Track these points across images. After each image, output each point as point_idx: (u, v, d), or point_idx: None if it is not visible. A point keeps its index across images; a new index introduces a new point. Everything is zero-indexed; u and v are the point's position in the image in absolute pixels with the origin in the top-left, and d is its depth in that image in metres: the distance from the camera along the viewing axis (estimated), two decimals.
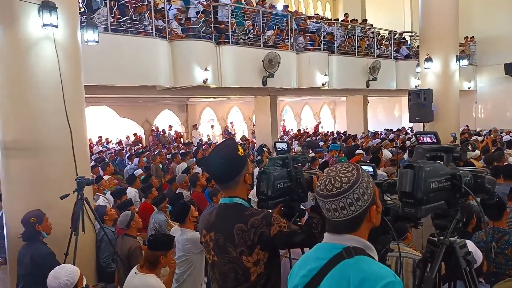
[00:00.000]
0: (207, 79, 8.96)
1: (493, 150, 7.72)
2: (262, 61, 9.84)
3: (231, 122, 18.92)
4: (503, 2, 14.25)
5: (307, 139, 13.92)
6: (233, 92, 11.33)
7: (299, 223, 1.96)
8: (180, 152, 10.44)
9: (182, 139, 16.36)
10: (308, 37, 11.72)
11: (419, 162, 1.35)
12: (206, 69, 8.92)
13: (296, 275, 1.30)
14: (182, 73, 8.88)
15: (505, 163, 5.74)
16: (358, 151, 8.07)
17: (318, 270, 1.23)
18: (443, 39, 10.12)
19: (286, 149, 2.04)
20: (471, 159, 6.11)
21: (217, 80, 9.47)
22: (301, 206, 1.99)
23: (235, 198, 1.77)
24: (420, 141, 1.55)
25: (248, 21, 10.40)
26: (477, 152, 7.27)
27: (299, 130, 18.69)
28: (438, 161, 1.43)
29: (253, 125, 16.00)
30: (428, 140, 1.54)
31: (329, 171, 1.26)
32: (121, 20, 7.81)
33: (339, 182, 1.20)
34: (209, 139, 16.60)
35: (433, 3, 10.19)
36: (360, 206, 1.19)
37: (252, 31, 10.39)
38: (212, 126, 18.69)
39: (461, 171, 1.40)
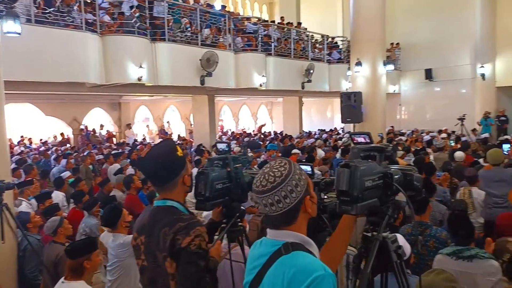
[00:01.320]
0: (141, 77, 8.65)
1: (413, 150, 8.34)
2: (200, 59, 9.72)
3: (168, 122, 18.46)
4: (422, 12, 15.48)
5: (245, 139, 14.03)
6: (170, 90, 11.06)
7: (239, 224, 1.95)
8: (113, 152, 9.96)
9: (114, 139, 15.63)
10: (245, 38, 11.81)
11: (355, 161, 1.41)
12: (141, 66, 8.61)
13: (247, 272, 1.34)
14: (114, 70, 8.49)
15: (427, 161, 6.24)
16: (294, 151, 8.29)
17: (261, 267, 1.26)
18: (371, 45, 10.76)
19: (226, 149, 2.02)
20: (397, 158, 6.57)
21: (152, 78, 9.18)
22: (242, 207, 1.99)
23: (169, 200, 1.70)
24: (354, 141, 1.62)
25: (185, 19, 10.22)
26: (401, 151, 7.87)
27: (244, 131, 18.73)
28: (371, 160, 1.50)
29: (191, 125, 15.77)
30: (362, 140, 1.61)
31: (264, 168, 1.30)
32: (47, 11, 7.25)
33: (272, 177, 1.24)
34: (144, 139, 16.04)
35: (362, 10, 10.79)
36: (294, 198, 1.24)
37: (189, 29, 10.22)
38: (147, 126, 18.09)
39: (392, 169, 1.48)
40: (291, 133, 14.36)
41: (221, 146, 2.05)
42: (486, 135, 11.82)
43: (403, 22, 15.81)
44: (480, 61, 14.47)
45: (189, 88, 10.75)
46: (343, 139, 11.37)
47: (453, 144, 9.97)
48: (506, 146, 5.27)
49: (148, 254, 1.67)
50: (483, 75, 14.47)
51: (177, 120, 19.00)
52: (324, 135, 14.47)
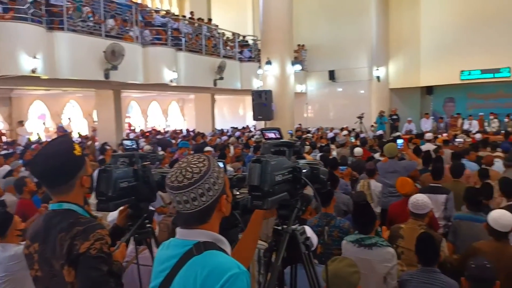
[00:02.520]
0: (36, 69, 7.80)
1: (319, 146, 8.87)
2: (104, 52, 9.10)
3: (69, 118, 17.00)
4: (325, 16, 16.48)
5: (157, 137, 13.54)
6: (70, 84, 10.18)
7: (148, 225, 1.84)
8: (2, 153, 8.84)
9: (4, 137, 13.89)
10: (154, 31, 11.37)
11: (266, 156, 1.41)
12: (35, 57, 7.76)
13: (154, 276, 1.27)
14: (4, 60, 7.56)
15: (331, 157, 6.67)
16: (207, 148, 8.22)
17: (170, 270, 1.20)
18: (280, 45, 11.15)
19: (134, 146, 1.90)
20: (304, 154, 6.90)
21: (49, 70, 8.34)
22: (150, 207, 1.88)
23: (66, 203, 1.53)
24: (265, 137, 1.63)
25: (87, 8, 9.47)
26: (308, 147, 8.32)
27: (154, 129, 17.98)
28: (281, 156, 1.53)
29: (94, 122, 14.72)
30: (272, 135, 1.63)
31: (181, 162, 1.23)
32: None
33: (190, 173, 1.18)
34: (39, 137, 14.53)
35: (272, 11, 11.12)
36: (211, 196, 1.19)
37: (91, 19, 9.50)
38: (44, 123, 16.42)
39: (300, 163, 1.52)
40: (203, 131, 14.25)
41: (127, 143, 1.92)
42: (381, 132, 13.06)
43: (309, 25, 16.68)
44: (375, 65, 15.93)
45: (91, 82, 10.01)
46: (255, 136, 11.63)
47: (353, 140, 10.82)
48: (399, 141, 5.89)
49: (42, 263, 1.50)
50: (378, 78, 15.96)
51: (79, 116, 17.59)
52: (237, 133, 14.64)
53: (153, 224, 1.91)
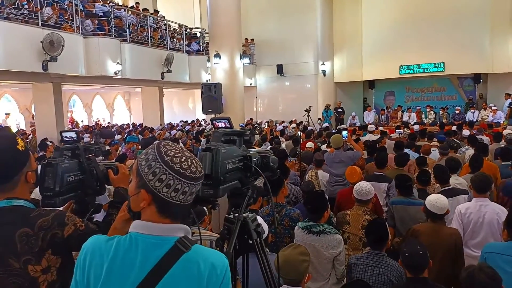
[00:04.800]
0: None
1: (270, 138, 9.00)
2: (41, 42, 8.54)
3: (7, 114, 15.81)
4: (272, 11, 16.66)
5: (101, 129, 12.98)
6: (4, 77, 9.45)
7: (94, 220, 1.77)
8: None
9: None
10: (96, 21, 10.84)
11: (216, 145, 1.41)
12: None
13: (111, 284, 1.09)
14: None
15: (281, 148, 6.80)
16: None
17: (150, 272, 1.09)
18: (229, 38, 11.10)
19: (75, 138, 1.80)
20: (254, 147, 6.98)
21: None
22: (96, 201, 1.81)
23: (14, 200, 1.46)
24: (215, 126, 1.63)
25: None
26: (257, 136, 8.44)
27: (99, 124, 17.18)
28: (232, 144, 1.53)
29: (33, 117, 13.80)
30: (222, 125, 1.63)
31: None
32: None
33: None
34: None
35: (220, 4, 11.01)
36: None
37: (26, 6, 8.85)
38: None
39: (251, 152, 1.54)
40: (151, 125, 13.88)
41: (67, 134, 1.82)
42: (327, 124, 13.50)
43: (257, 20, 16.77)
44: (321, 59, 16.39)
45: (28, 74, 9.36)
46: (206, 130, 11.53)
47: (300, 134, 11.09)
48: (344, 133, 6.14)
49: None
50: (324, 72, 16.44)
51: (15, 111, 16.40)
52: (187, 127, 14.43)
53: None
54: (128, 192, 1.22)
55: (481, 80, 14.94)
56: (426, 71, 14.54)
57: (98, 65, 10.53)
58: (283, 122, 14.83)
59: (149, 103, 15.48)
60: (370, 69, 15.61)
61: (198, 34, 15.87)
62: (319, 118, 15.38)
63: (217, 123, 1.67)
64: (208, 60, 12.45)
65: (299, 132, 11.12)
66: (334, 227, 3.23)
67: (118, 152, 8.38)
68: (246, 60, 14.10)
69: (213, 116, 11.03)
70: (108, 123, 18.42)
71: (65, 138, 1.81)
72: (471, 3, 13.61)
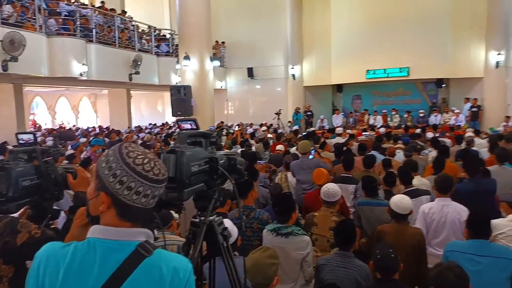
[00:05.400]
0: None
1: (240, 141, 8.99)
2: (1, 41, 8.16)
3: None
4: (242, 14, 16.72)
5: (61, 130, 12.53)
6: None
7: (52, 226, 1.69)
8: None
9: None
10: (60, 21, 10.48)
11: (181, 147, 1.38)
12: None
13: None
14: None
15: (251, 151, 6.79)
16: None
17: (109, 278, 1.05)
18: (199, 40, 11.02)
19: (32, 140, 1.72)
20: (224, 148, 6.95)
21: None
22: (55, 206, 1.73)
23: None
24: (181, 128, 1.60)
25: None
26: (224, 137, 8.41)
27: (63, 126, 16.55)
28: (198, 146, 1.51)
29: None
30: (188, 126, 1.60)
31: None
32: None
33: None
34: None
35: (189, 5, 10.93)
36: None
37: None
38: None
39: (217, 154, 1.52)
40: (119, 128, 13.54)
41: (23, 136, 1.73)
42: (297, 127, 13.64)
43: (228, 22, 16.76)
44: (291, 63, 16.57)
45: None
46: (175, 134, 11.37)
47: (271, 135, 11.14)
48: (312, 152, 6.07)
49: None
50: (293, 76, 16.62)
51: None
52: (156, 130, 14.18)
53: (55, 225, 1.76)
54: (87, 195, 1.17)
55: (444, 85, 15.55)
56: (391, 75, 14.96)
57: (62, 66, 10.18)
58: (252, 124, 14.88)
59: (116, 106, 15.11)
60: (338, 73, 15.91)
61: (168, 36, 15.66)
62: (289, 121, 15.53)
63: (183, 125, 1.64)
64: (178, 62, 12.31)
65: (287, 129, 11.18)
66: (302, 229, 3.25)
67: (83, 155, 8.10)
68: (217, 63, 14.03)
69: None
70: (73, 125, 17.84)
71: (20, 141, 1.72)
72: (433, 10, 14.15)
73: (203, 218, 1.46)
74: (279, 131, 12.62)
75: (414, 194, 3.98)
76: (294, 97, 16.78)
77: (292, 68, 16.55)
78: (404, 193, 3.89)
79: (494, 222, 2.88)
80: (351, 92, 17.21)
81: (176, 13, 11.55)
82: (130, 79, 12.55)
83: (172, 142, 8.90)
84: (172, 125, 16.23)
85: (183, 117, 1.64)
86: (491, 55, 14.08)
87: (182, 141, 1.45)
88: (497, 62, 13.95)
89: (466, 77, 14.65)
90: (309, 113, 16.33)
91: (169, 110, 11.83)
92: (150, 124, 16.43)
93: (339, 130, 10.56)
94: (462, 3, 14.14)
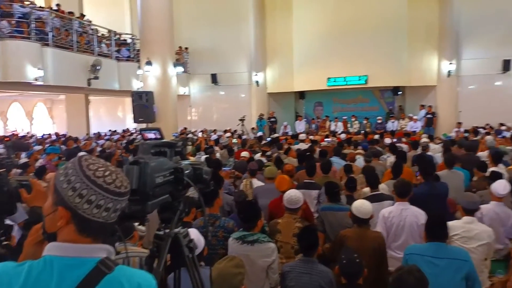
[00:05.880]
0: None
1: (204, 147, 8.91)
2: None
3: None
4: (206, 20, 16.65)
5: (14, 139, 11.89)
6: None
7: (4, 243, 1.59)
8: None
9: None
10: (14, 23, 9.98)
11: (144, 158, 1.34)
12: None
13: None
14: None
15: (215, 158, 6.74)
16: (81, 154, 7.51)
17: None
18: (161, 46, 10.87)
19: None
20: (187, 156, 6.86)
21: None
22: (7, 221, 1.63)
23: None
24: (145, 138, 1.56)
25: None
26: (190, 147, 8.32)
27: (16, 134, 15.68)
28: (163, 156, 1.47)
29: None
30: (152, 136, 1.57)
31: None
32: None
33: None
34: None
35: (151, 10, 10.76)
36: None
37: None
38: None
39: (182, 164, 1.49)
40: (77, 135, 13.04)
41: None
42: (261, 133, 13.72)
43: (191, 28, 16.65)
44: (254, 70, 16.68)
45: None
46: (137, 140, 11.10)
47: (235, 141, 11.16)
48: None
49: None
50: (257, 82, 16.74)
51: None
52: (117, 136, 13.78)
53: (12, 241, 1.66)
54: (43, 211, 1.11)
55: (400, 92, 16.23)
56: (350, 83, 15.41)
57: (16, 70, 9.70)
58: (216, 131, 14.81)
59: (74, 111, 14.57)
60: (300, 80, 16.20)
61: (129, 40, 15.31)
62: (253, 128, 15.60)
63: (146, 134, 1.60)
64: (139, 67, 12.05)
65: (234, 140, 11.16)
66: (268, 236, 3.26)
67: (38, 164, 7.71)
68: (180, 69, 13.86)
69: (145, 126, 10.69)
70: (27, 132, 16.98)
71: None
72: (390, 22, 14.77)
73: (167, 230, 1.43)
74: (243, 137, 12.65)
75: (379, 198, 4.10)
76: (258, 103, 16.89)
77: (256, 75, 16.67)
78: (369, 197, 4.01)
79: (449, 224, 3.02)
80: (313, 99, 17.56)
81: (137, 18, 11.33)
82: (89, 84, 12.13)
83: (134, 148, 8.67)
84: (133, 131, 15.83)
85: (146, 127, 1.58)
86: (443, 64, 14.90)
87: (145, 152, 1.41)
88: (449, 71, 14.77)
89: (420, 85, 15.40)
90: (272, 119, 16.49)
91: (130, 116, 11.53)
92: (110, 130, 15.95)
93: (302, 136, 10.75)
94: (416, 15, 14.87)
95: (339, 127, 15.36)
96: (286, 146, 8.24)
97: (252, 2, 16.41)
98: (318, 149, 8.11)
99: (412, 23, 14.92)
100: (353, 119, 15.78)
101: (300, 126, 16.14)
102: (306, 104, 17.75)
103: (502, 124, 13.06)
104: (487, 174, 4.97)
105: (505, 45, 13.81)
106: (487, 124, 13.32)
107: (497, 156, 5.90)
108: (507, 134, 10.37)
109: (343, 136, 11.46)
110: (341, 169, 5.98)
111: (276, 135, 13.85)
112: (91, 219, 1.05)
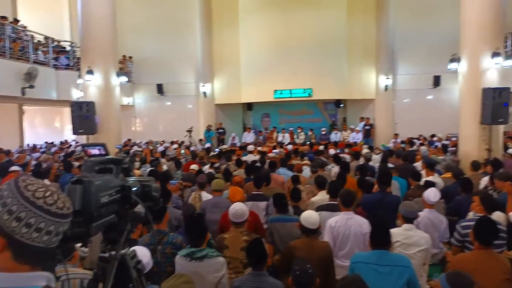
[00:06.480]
0: None
1: (150, 160, 8.66)
2: None
3: None
4: (152, 29, 16.35)
5: None
6: None
7: None
8: None
9: None
10: None
11: (88, 176, 1.27)
12: None
13: None
14: None
15: (162, 170, 6.56)
16: (14, 168, 6.97)
17: None
18: (103, 54, 10.44)
19: None
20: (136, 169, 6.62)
21: None
22: None
23: None
24: (88, 154, 1.48)
25: None
26: (137, 163, 8.05)
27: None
28: (108, 174, 1.40)
29: None
30: (97, 152, 1.49)
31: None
32: None
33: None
34: None
35: (93, 17, 10.33)
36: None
37: None
38: None
39: (130, 181, 1.43)
40: (9, 147, 12.08)
41: None
42: (209, 145, 13.63)
43: (136, 37, 16.26)
44: (202, 81, 16.59)
45: None
46: (76, 153, 10.53)
47: (183, 152, 10.98)
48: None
49: None
50: (204, 93, 16.66)
51: None
52: (54, 148, 12.96)
53: None
54: None
55: (342, 105, 16.97)
56: (295, 95, 15.83)
57: None
58: (163, 142, 14.47)
59: (6, 122, 13.51)
60: (248, 92, 16.37)
61: (68, 48, 14.57)
62: (201, 139, 15.45)
63: (90, 150, 1.52)
64: (80, 76, 11.49)
65: (182, 152, 10.94)
66: (216, 249, 3.21)
67: None
68: (124, 78, 13.41)
69: (85, 137, 10.16)
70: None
71: None
72: (331, 37, 15.44)
73: (114, 252, 1.35)
74: (191, 148, 12.47)
75: (333, 208, 4.21)
76: (206, 114, 16.79)
77: (203, 85, 16.58)
78: (324, 206, 4.14)
79: (391, 231, 3.18)
80: (260, 110, 17.79)
81: (78, 24, 10.82)
82: (23, 93, 11.32)
83: (75, 163, 8.19)
84: (71, 143, 14.99)
85: (90, 142, 1.50)
86: (380, 79, 15.86)
87: (89, 170, 1.34)
88: (386, 86, 15.74)
89: (360, 99, 16.23)
90: (221, 130, 16.46)
91: (69, 127, 10.90)
92: (46, 142, 14.97)
93: (250, 147, 10.82)
94: (355, 32, 15.75)
95: (286, 138, 15.68)
96: (235, 158, 8.23)
97: (199, 13, 16.40)
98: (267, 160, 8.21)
99: (351, 40, 15.75)
100: (299, 130, 16.20)
101: (248, 137, 16.25)
102: (253, 115, 17.95)
103: (434, 135, 14.10)
104: (422, 183, 5.32)
105: (435, 62, 14.97)
106: (421, 135, 14.30)
107: (430, 166, 6.34)
108: (439, 144, 11.20)
109: (290, 147, 11.71)
110: (289, 180, 6.09)
111: (224, 146, 13.82)
112: (30, 244, 0.98)
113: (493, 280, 2.75)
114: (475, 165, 6.63)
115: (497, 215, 3.86)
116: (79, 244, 1.56)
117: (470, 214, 4.04)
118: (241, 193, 4.42)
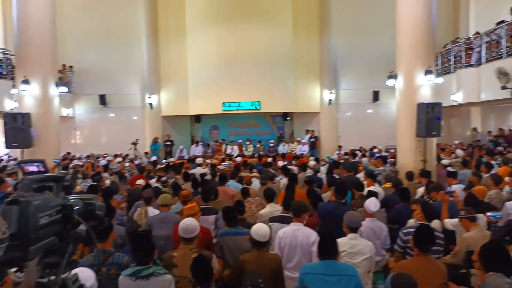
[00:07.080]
0: None
1: (92, 174, 8.25)
2: None
3: None
4: (94, 39, 15.71)
5: None
6: None
7: None
8: None
9: None
10: None
11: (26, 195, 1.18)
12: None
13: None
14: None
15: (105, 186, 6.26)
16: None
17: None
18: (41, 63, 9.84)
19: None
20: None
21: None
22: None
23: None
24: (25, 171, 1.37)
25: None
26: (80, 180, 7.64)
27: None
28: (48, 192, 1.31)
29: None
30: (35, 169, 1.39)
31: None
32: None
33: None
34: None
35: (30, 23, 9.73)
36: None
37: None
38: None
39: (72, 200, 1.35)
40: None
41: None
42: (155, 158, 13.26)
43: (77, 46, 15.55)
44: (148, 92, 16.20)
45: None
46: (9, 168, 9.75)
47: (128, 165, 10.58)
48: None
49: None
50: (151, 105, 16.26)
51: None
52: None
53: None
54: None
55: (289, 118, 17.39)
56: (243, 108, 15.96)
57: None
58: (106, 155, 13.86)
59: None
60: (196, 104, 16.23)
61: (1, 56, 13.57)
62: (146, 152, 15.01)
63: (27, 167, 1.42)
64: (14, 86, 10.72)
65: (126, 165, 10.52)
66: (163, 267, 3.09)
67: None
68: (63, 88, 12.71)
69: (19, 151, 9.45)
70: None
71: None
72: (278, 51, 15.85)
73: (53, 277, 1.25)
74: (136, 162, 12.06)
75: (285, 220, 4.24)
76: (152, 126, 16.37)
77: (149, 97, 16.20)
78: (277, 218, 4.16)
79: (337, 241, 3.27)
80: (209, 123, 17.70)
81: (13, 31, 10.14)
82: None
83: (8, 179, 7.57)
84: (3, 157, 13.86)
85: (27, 159, 1.39)
86: (324, 93, 16.53)
87: (26, 189, 1.24)
88: (330, 100, 16.41)
89: (306, 112, 16.75)
90: (168, 142, 16.11)
91: (1, 140, 10.09)
92: None
93: (199, 160, 10.68)
94: (300, 48, 16.33)
95: (235, 150, 15.69)
96: (183, 170, 8.07)
97: (145, 24, 16.08)
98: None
99: (297, 56, 16.30)
100: (247, 143, 16.30)
101: (196, 150, 16.06)
102: (202, 127, 17.80)
103: (374, 147, 14.84)
104: (365, 193, 5.56)
105: (373, 78, 15.85)
106: (361, 147, 15.00)
107: (372, 176, 6.66)
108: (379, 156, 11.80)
109: (239, 159, 11.73)
110: (239, 192, 6.08)
111: (172, 159, 13.52)
112: None
113: (432, 285, 2.92)
114: (410, 175, 7.10)
115: (434, 223, 4.13)
116: (13, 269, 1.44)
117: (411, 222, 4.29)
118: (197, 207, 4.29)
